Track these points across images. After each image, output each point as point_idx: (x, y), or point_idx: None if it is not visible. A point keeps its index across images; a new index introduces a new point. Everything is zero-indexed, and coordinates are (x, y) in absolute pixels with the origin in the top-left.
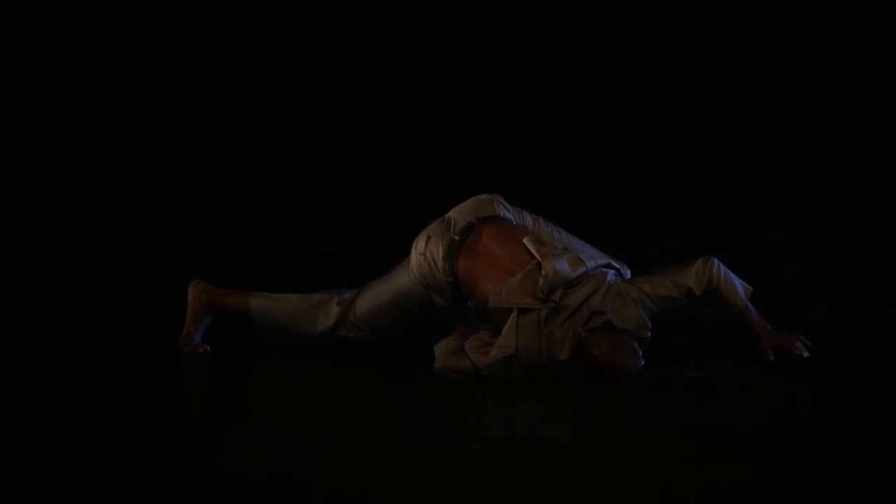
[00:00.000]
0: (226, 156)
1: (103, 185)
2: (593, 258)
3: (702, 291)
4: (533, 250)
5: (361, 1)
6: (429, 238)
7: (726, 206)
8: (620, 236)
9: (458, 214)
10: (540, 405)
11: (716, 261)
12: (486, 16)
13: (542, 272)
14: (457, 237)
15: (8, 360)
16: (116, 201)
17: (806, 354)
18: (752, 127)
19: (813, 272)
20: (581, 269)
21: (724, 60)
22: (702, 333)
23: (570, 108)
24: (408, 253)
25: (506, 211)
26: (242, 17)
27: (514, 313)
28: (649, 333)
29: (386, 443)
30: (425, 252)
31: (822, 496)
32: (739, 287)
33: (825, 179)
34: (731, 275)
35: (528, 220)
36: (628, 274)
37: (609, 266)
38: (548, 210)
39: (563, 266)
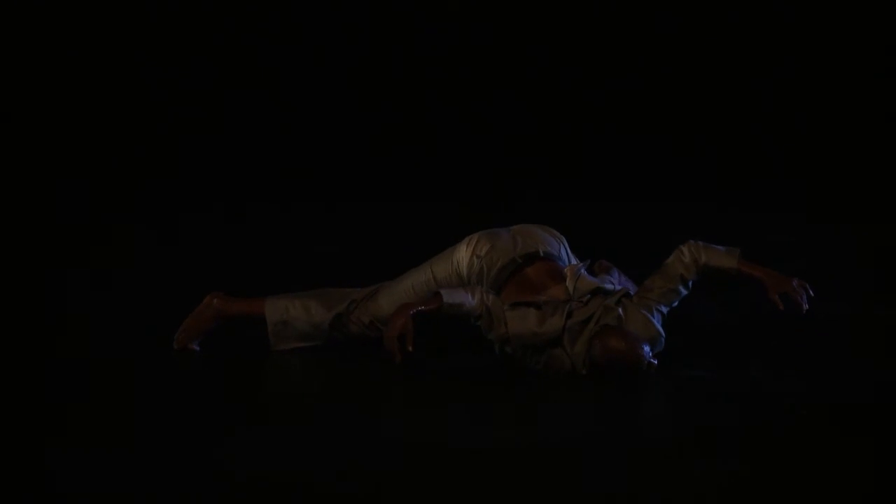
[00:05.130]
0: (226, 156)
1: (103, 184)
2: (621, 283)
3: (693, 274)
4: (566, 269)
5: (361, 1)
6: (492, 246)
7: (727, 206)
8: (621, 236)
9: (528, 237)
10: (539, 404)
11: (691, 241)
12: (486, 16)
13: (568, 275)
14: (520, 260)
15: (7, 361)
16: (116, 200)
17: (807, 306)
18: (751, 127)
19: (815, 272)
20: (607, 284)
21: (724, 60)
22: (701, 333)
23: (570, 107)
24: (411, 253)
25: (567, 256)
26: (243, 17)
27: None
28: (662, 335)
29: (386, 442)
30: (484, 257)
31: (822, 496)
32: (724, 250)
33: (828, 180)
34: (712, 245)
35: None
36: None
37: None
38: (548, 210)
39: (587, 275)
